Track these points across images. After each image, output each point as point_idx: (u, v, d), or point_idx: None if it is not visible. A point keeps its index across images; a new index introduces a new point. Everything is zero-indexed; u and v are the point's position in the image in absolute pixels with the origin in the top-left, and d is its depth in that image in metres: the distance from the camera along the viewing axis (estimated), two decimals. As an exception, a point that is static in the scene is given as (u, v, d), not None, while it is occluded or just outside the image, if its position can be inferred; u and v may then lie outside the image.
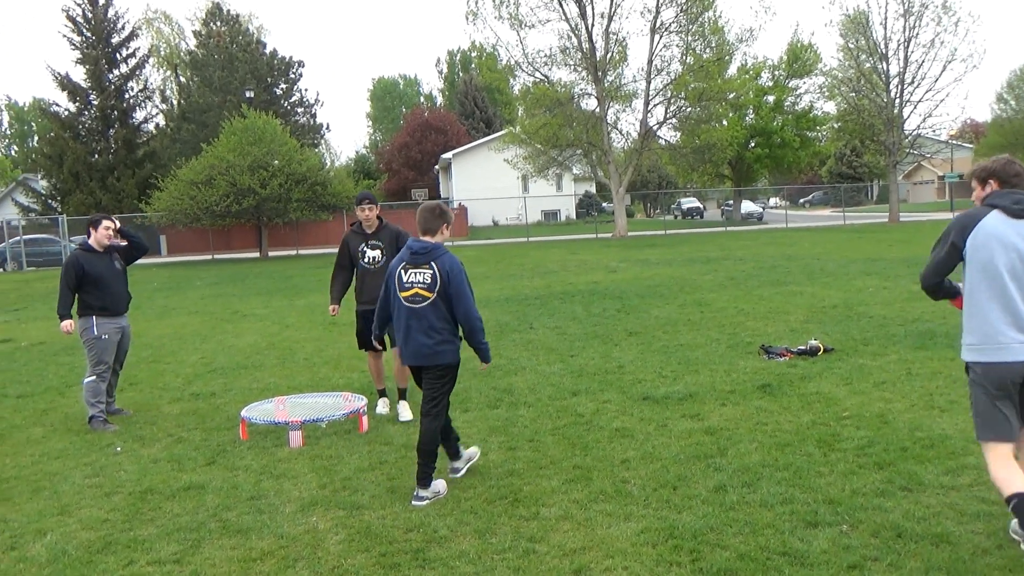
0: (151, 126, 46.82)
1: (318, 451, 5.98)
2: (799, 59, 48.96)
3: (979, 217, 3.71)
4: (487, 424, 6.48)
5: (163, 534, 4.54)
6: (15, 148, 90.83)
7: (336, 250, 7.34)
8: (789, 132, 48.59)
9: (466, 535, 4.31)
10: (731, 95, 39.79)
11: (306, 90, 74.19)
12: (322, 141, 59.21)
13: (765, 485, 4.75)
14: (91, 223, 7.29)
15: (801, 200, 78.27)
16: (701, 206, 65.78)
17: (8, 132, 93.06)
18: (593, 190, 60.17)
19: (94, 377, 7.07)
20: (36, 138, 73.92)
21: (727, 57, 39.16)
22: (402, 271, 4.92)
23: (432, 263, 4.84)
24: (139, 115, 44.89)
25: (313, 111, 52.97)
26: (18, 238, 36.26)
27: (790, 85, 49.88)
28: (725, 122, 42.28)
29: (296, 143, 35.50)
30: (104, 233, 7.18)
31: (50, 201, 42.78)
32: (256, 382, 8.71)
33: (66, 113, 42.66)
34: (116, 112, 42.61)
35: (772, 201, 77.93)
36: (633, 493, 4.78)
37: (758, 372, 7.77)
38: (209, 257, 37.37)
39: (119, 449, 6.32)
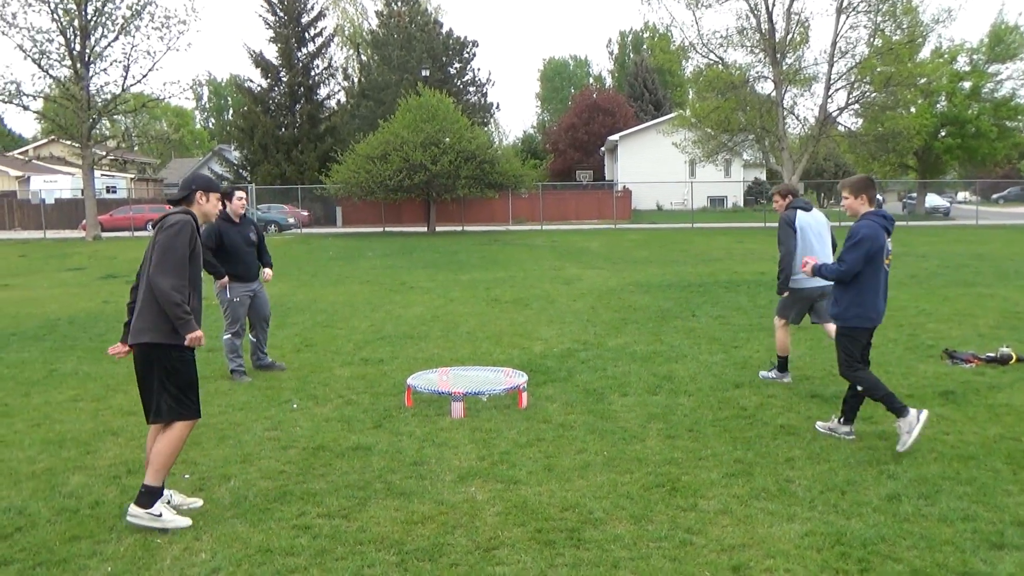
0: (333, 102, 49.19)
1: (478, 423, 6.12)
2: (1002, 42, 44.93)
3: (794, 215, 6.97)
4: (646, 410, 6.41)
5: (332, 489, 4.79)
6: (213, 120, 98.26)
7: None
8: (986, 121, 44.78)
9: (622, 520, 4.29)
10: (922, 80, 37.03)
11: (478, 70, 75.67)
12: (491, 120, 60.19)
13: (944, 499, 4.45)
14: (225, 195, 7.74)
15: (995, 196, 72.23)
16: (881, 198, 61.98)
17: (208, 105, 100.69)
18: (763, 177, 58.01)
19: (230, 336, 7.86)
20: (231, 112, 79.42)
21: (920, 39, 36.26)
22: (888, 242, 5.41)
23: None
24: (323, 92, 47.27)
25: (484, 90, 53.93)
26: (212, 204, 38.99)
27: (990, 70, 45.91)
28: (913, 109, 39.49)
29: (467, 121, 36.20)
30: (239, 204, 7.85)
31: (241, 170, 45.87)
32: (421, 352, 9.02)
33: (258, 89, 45.59)
34: (302, 88, 45.10)
35: (961, 195, 72.40)
36: (798, 494, 4.59)
37: (940, 378, 7.27)
38: (380, 229, 38.93)
39: (295, 406, 6.73)
